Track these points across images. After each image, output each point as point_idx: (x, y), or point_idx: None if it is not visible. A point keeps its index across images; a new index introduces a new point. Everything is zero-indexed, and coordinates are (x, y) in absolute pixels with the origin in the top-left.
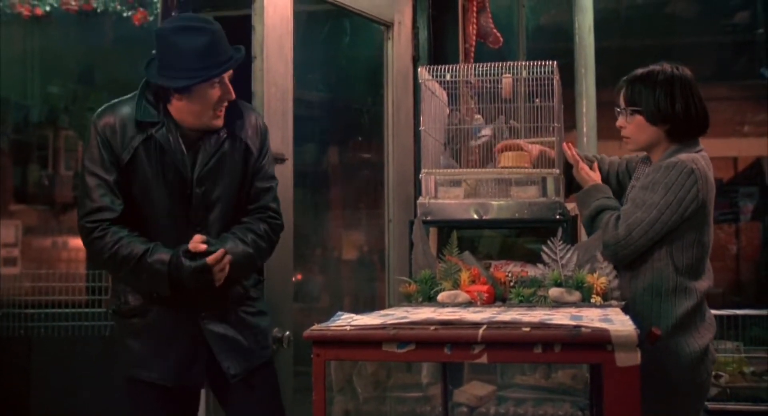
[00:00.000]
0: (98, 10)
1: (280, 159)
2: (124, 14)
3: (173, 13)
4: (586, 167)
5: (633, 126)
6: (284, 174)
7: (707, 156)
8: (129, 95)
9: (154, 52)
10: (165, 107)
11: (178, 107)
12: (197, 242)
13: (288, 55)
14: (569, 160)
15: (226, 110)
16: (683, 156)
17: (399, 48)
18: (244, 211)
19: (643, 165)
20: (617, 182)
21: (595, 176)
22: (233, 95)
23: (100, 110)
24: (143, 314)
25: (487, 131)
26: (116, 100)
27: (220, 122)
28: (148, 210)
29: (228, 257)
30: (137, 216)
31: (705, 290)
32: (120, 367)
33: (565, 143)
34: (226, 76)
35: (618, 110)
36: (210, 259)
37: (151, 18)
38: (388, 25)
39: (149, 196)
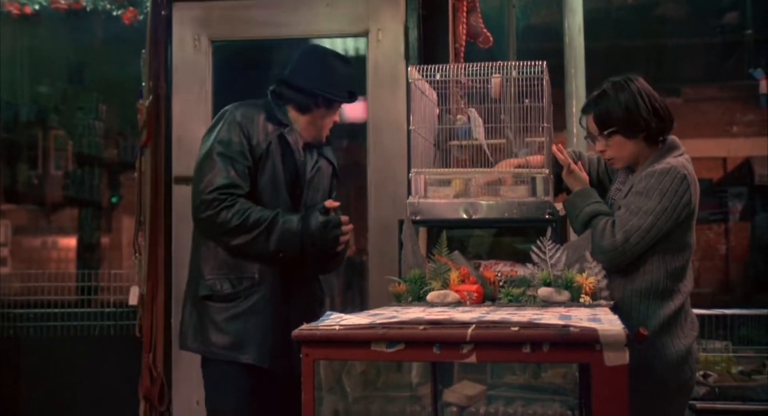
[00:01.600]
0: (87, 9)
1: None
2: (114, 13)
3: (162, 13)
4: (577, 170)
5: (614, 147)
6: None
7: (690, 159)
8: (256, 100)
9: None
10: (290, 117)
11: (313, 117)
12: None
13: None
14: (560, 162)
15: None
16: (673, 161)
17: (379, 52)
18: None
19: (624, 171)
20: (597, 181)
21: (585, 179)
22: (340, 119)
23: (236, 104)
24: (246, 297)
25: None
26: (247, 101)
27: (325, 139)
28: (270, 202)
29: (351, 226)
30: (258, 203)
31: (689, 291)
32: (208, 349)
33: (555, 145)
34: None
35: (593, 136)
36: (343, 218)
37: (141, 17)
38: (365, 35)
39: (275, 188)
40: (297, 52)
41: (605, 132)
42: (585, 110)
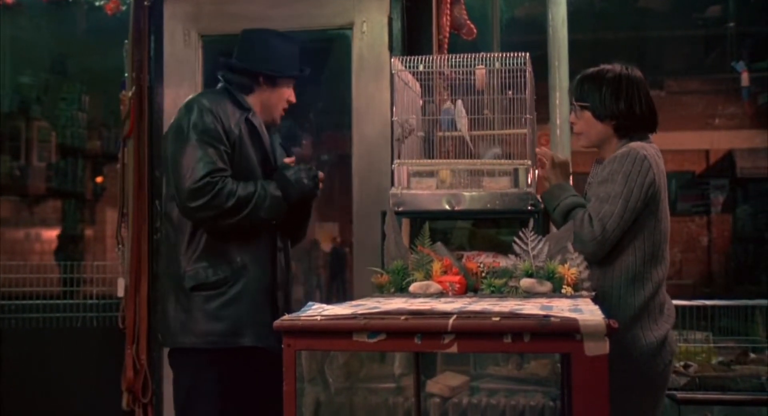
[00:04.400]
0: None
1: None
2: (96, 3)
3: (145, 3)
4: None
5: (582, 122)
6: None
7: (657, 148)
8: (212, 90)
9: (240, 49)
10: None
11: (260, 98)
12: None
13: None
14: (543, 157)
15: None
16: (633, 144)
17: (363, 43)
18: None
19: (597, 165)
20: None
21: (567, 174)
22: (295, 99)
23: (193, 96)
24: (234, 283)
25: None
26: (203, 91)
27: (279, 120)
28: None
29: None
30: None
31: (662, 277)
32: (204, 339)
33: (540, 147)
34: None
35: (571, 107)
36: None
37: (123, 7)
38: (350, 28)
39: (248, 167)
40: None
41: (578, 103)
42: (576, 80)
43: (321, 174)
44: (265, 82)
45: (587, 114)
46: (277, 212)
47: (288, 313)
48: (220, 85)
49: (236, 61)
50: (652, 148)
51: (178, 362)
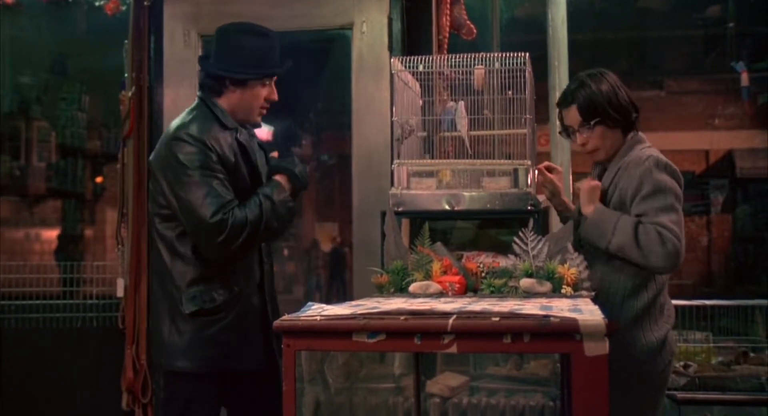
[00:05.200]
0: (70, 0)
1: None
2: (96, 3)
3: (145, 3)
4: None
5: (596, 137)
6: None
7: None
8: (188, 112)
9: (213, 49)
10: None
11: (230, 100)
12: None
13: None
14: (548, 185)
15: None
16: (649, 152)
17: (363, 44)
18: None
19: (597, 167)
20: None
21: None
22: (276, 97)
23: (179, 124)
24: (231, 307)
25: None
26: (186, 115)
27: (260, 120)
28: (245, 200)
29: None
30: None
31: (665, 280)
32: (199, 363)
33: (539, 167)
34: (273, 80)
35: (571, 130)
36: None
37: (123, 8)
38: (350, 28)
39: (245, 188)
40: None
41: (591, 122)
42: (562, 103)
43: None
44: (233, 83)
45: (599, 129)
46: (287, 216)
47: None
48: (198, 93)
49: (206, 64)
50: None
51: (173, 385)
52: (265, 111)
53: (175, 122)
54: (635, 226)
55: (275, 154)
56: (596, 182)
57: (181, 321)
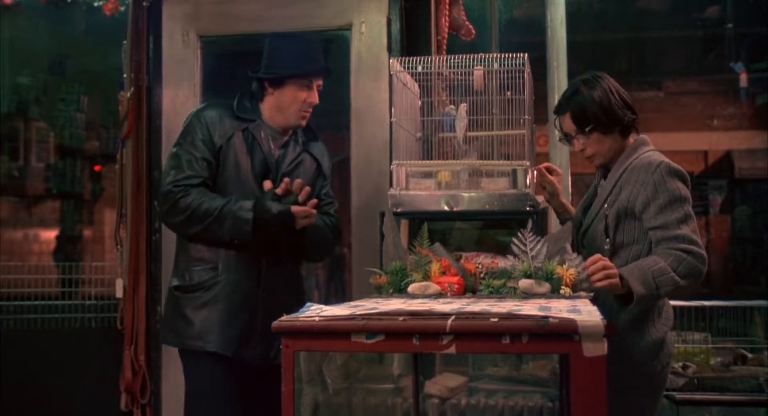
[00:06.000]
0: (69, 0)
1: None
2: (95, 4)
3: (144, 3)
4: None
5: (593, 143)
6: None
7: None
8: (223, 101)
9: None
10: (260, 109)
11: (270, 103)
12: (288, 184)
13: None
14: (547, 186)
15: (303, 131)
16: (655, 156)
17: (362, 44)
18: None
19: (601, 169)
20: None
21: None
22: (317, 100)
23: (201, 106)
24: (209, 288)
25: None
26: (212, 101)
27: (303, 122)
28: (237, 193)
29: (313, 203)
30: (224, 195)
31: None
32: (176, 340)
33: (539, 168)
34: (316, 83)
35: (569, 137)
36: (295, 209)
37: (122, 8)
38: (349, 29)
39: (238, 179)
40: None
41: (585, 129)
42: (558, 110)
43: (304, 217)
44: (271, 85)
45: (595, 135)
46: (239, 234)
47: (268, 319)
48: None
49: (252, 72)
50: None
51: (182, 361)
52: (307, 114)
53: None
54: (664, 269)
55: (297, 185)
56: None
57: (171, 297)
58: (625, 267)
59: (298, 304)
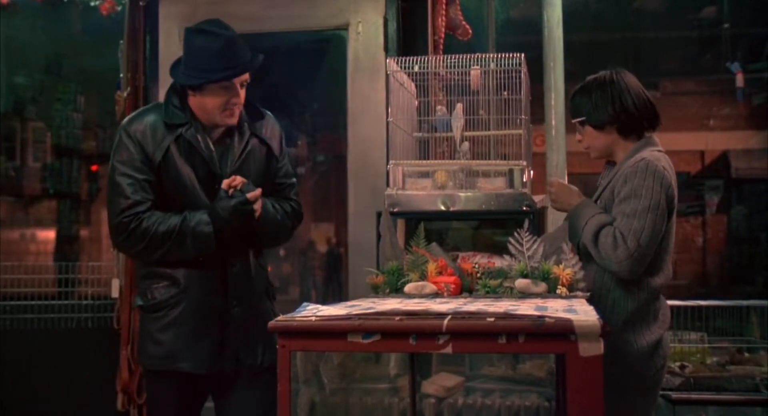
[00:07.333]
0: (65, 0)
1: None
2: (91, 4)
3: (140, 3)
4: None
5: (587, 136)
6: None
7: (668, 158)
8: (153, 104)
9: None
10: (189, 107)
11: (194, 104)
12: (227, 185)
13: None
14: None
15: (248, 113)
16: (647, 155)
17: (359, 44)
18: None
19: (609, 167)
20: None
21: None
22: (240, 99)
23: (128, 118)
24: (173, 306)
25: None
26: (141, 108)
27: (232, 121)
28: (184, 203)
29: (260, 195)
30: (173, 208)
31: (659, 286)
32: (148, 361)
33: (553, 180)
34: (239, 81)
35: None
36: (249, 195)
37: (119, 8)
38: (346, 29)
39: (184, 190)
40: None
41: (577, 121)
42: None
43: (256, 201)
44: (190, 89)
45: (588, 128)
46: (203, 250)
47: (242, 327)
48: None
49: (174, 69)
50: (664, 158)
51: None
52: (232, 112)
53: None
54: (600, 227)
55: (230, 183)
56: (561, 181)
57: (140, 316)
58: (587, 204)
59: (268, 299)
